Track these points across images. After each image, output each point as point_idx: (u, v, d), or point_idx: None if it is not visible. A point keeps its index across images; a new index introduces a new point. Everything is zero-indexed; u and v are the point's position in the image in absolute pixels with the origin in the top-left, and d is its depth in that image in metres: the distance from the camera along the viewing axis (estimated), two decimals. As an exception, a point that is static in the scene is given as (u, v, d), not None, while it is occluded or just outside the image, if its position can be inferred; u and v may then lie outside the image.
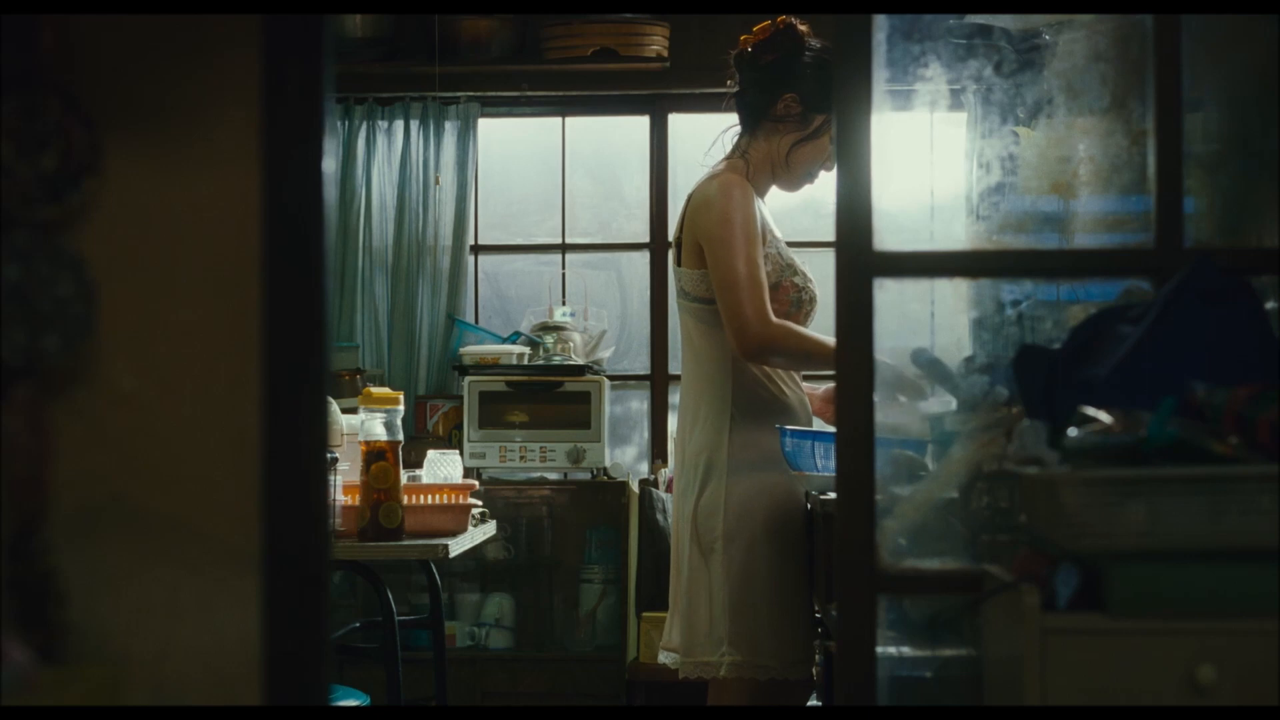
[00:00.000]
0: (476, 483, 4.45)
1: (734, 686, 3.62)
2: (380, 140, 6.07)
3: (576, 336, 5.85)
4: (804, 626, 3.65)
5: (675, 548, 3.75)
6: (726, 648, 3.57)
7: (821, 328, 3.84)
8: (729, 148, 3.84)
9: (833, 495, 2.84)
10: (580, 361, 5.78)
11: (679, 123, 6.17)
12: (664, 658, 3.79)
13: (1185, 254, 2.37)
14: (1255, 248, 2.59)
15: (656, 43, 5.90)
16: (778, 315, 3.65)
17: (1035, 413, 2.27)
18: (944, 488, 2.49)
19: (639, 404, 6.22)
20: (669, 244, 6.10)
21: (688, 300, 3.76)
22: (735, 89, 3.84)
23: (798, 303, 3.71)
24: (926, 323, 2.86)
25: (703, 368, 3.73)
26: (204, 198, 2.16)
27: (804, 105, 3.75)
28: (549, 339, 5.81)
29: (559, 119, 6.23)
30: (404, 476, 4.13)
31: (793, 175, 3.78)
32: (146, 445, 2.15)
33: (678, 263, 3.82)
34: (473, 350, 5.86)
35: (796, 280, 3.71)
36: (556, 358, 5.78)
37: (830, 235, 2.44)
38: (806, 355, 3.66)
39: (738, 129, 3.85)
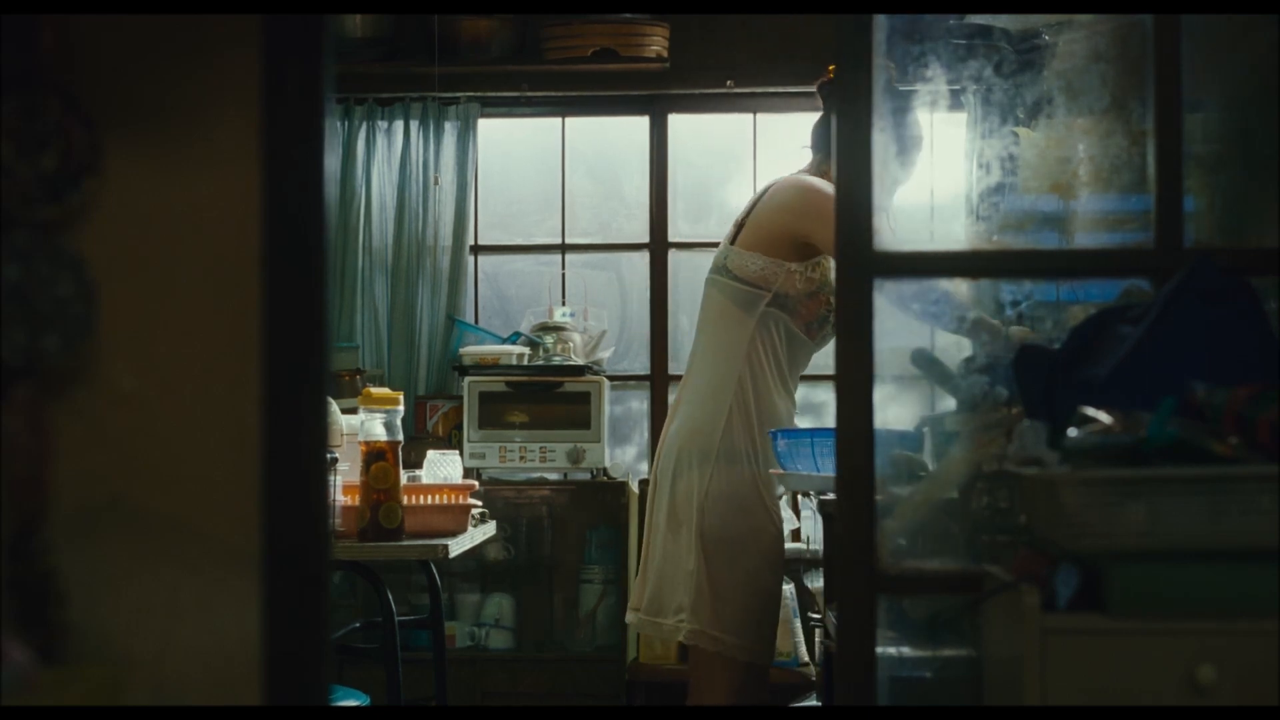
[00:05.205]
0: (476, 483, 4.45)
1: (714, 664, 3.77)
2: (380, 140, 6.07)
3: (576, 337, 5.85)
4: (771, 615, 3.81)
5: (650, 514, 3.90)
6: (687, 615, 3.75)
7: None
8: (806, 161, 3.97)
9: (832, 495, 2.84)
10: (580, 362, 5.78)
11: (679, 123, 6.17)
12: (629, 617, 3.98)
13: (1185, 254, 2.37)
14: (1255, 248, 2.59)
15: (656, 43, 5.90)
16: (801, 325, 3.77)
17: (1035, 413, 2.27)
18: (944, 488, 2.49)
19: (639, 404, 6.22)
20: (669, 244, 6.15)
21: (726, 278, 3.86)
22: (820, 114, 3.96)
23: (822, 321, 3.83)
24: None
25: (722, 348, 3.82)
26: (204, 198, 2.16)
27: None
28: (549, 339, 5.81)
29: (559, 119, 6.22)
30: (404, 477, 4.14)
31: None
32: (146, 445, 2.15)
33: (732, 241, 3.90)
34: (473, 350, 5.86)
35: (832, 299, 3.80)
36: (556, 358, 5.78)
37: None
38: None
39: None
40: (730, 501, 3.75)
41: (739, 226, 3.90)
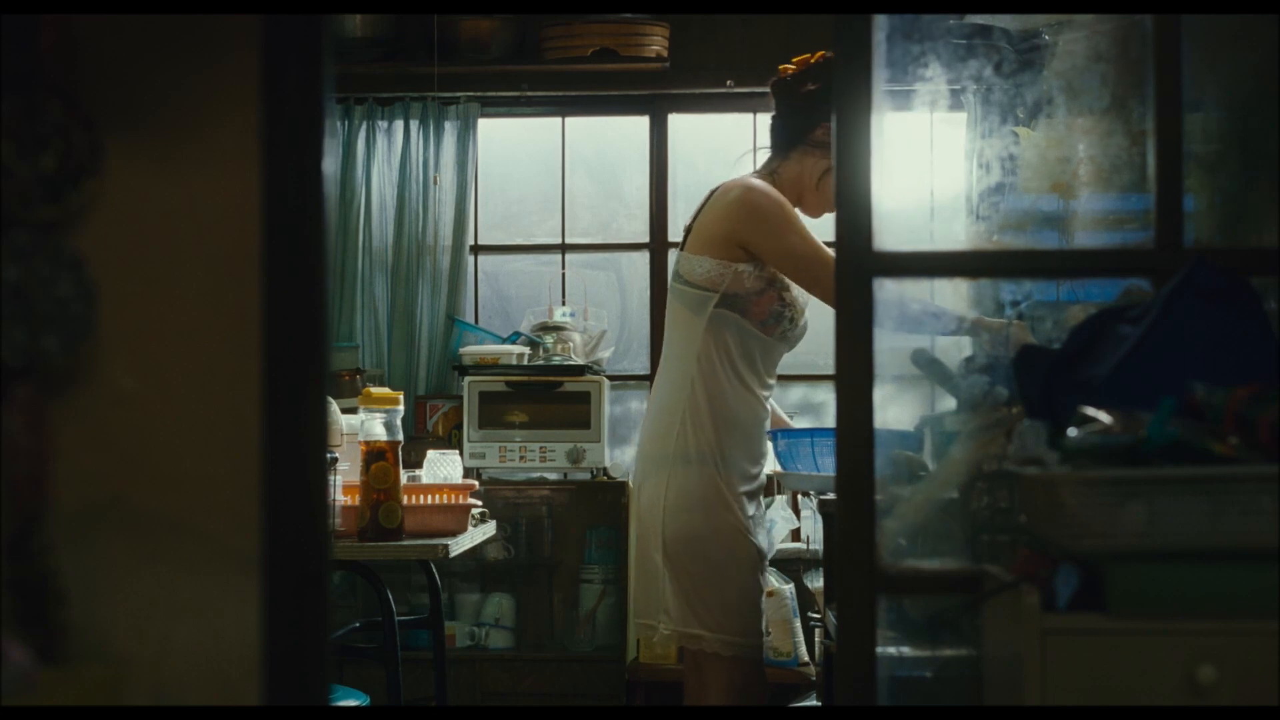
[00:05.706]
0: (476, 483, 4.45)
1: (704, 662, 3.81)
2: (380, 140, 6.07)
3: (576, 336, 5.85)
4: (748, 608, 3.82)
5: (634, 526, 3.97)
6: (664, 615, 3.80)
7: (818, 328, 3.87)
8: (757, 165, 3.93)
9: (832, 495, 2.84)
10: (580, 361, 5.78)
11: (679, 123, 6.17)
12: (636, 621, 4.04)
13: (1185, 254, 2.37)
14: (1255, 248, 2.59)
15: (656, 43, 5.90)
16: (755, 323, 3.77)
17: (1035, 413, 2.27)
18: (944, 488, 2.49)
19: (638, 404, 6.22)
20: (669, 244, 6.15)
21: (680, 283, 3.88)
22: (772, 114, 3.95)
23: (776, 317, 3.80)
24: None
25: (677, 353, 3.84)
26: (204, 198, 2.16)
27: None
28: (549, 339, 5.81)
29: (559, 119, 6.23)
30: (404, 476, 4.13)
31: (821, 199, 3.91)
32: (146, 445, 2.15)
33: (681, 248, 3.92)
34: (473, 350, 5.86)
35: (786, 295, 3.79)
36: (556, 358, 5.78)
37: (830, 235, 2.44)
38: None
39: (767, 150, 3.94)
40: (690, 502, 3.77)
41: (687, 231, 3.91)
